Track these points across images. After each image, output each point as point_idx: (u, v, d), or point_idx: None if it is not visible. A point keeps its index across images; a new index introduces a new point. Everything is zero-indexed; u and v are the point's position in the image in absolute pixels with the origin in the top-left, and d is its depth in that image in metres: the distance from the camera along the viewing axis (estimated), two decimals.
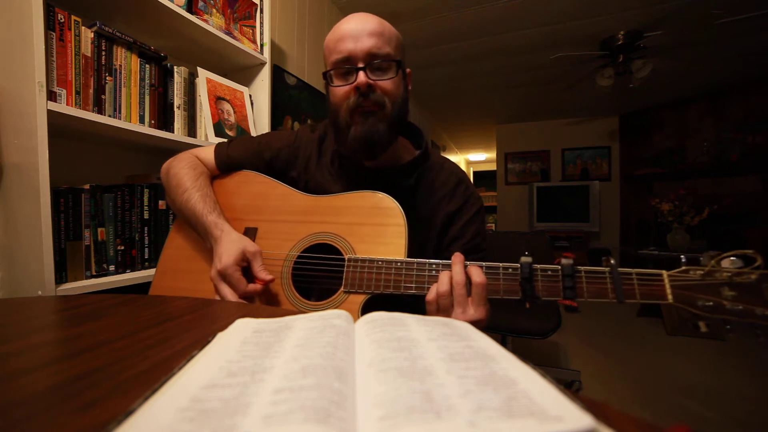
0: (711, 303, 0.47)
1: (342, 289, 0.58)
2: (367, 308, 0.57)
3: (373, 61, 0.61)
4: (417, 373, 0.21)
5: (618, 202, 5.13)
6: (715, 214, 2.79)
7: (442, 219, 0.70)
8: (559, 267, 0.52)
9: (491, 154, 7.04)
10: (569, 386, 1.77)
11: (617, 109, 4.88)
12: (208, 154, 0.80)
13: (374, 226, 0.61)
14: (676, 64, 3.07)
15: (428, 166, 0.74)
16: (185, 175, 0.73)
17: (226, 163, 0.79)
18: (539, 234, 1.79)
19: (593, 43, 2.90)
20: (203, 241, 0.69)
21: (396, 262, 0.56)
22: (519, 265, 0.53)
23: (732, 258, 0.47)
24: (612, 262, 0.50)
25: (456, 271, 0.53)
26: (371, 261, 0.58)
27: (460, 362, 0.23)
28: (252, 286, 0.59)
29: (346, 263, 0.59)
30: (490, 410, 0.17)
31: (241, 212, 0.73)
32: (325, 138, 0.79)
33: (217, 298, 0.61)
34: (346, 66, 0.62)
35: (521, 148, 5.67)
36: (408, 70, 0.68)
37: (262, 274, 0.60)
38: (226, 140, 0.83)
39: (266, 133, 0.83)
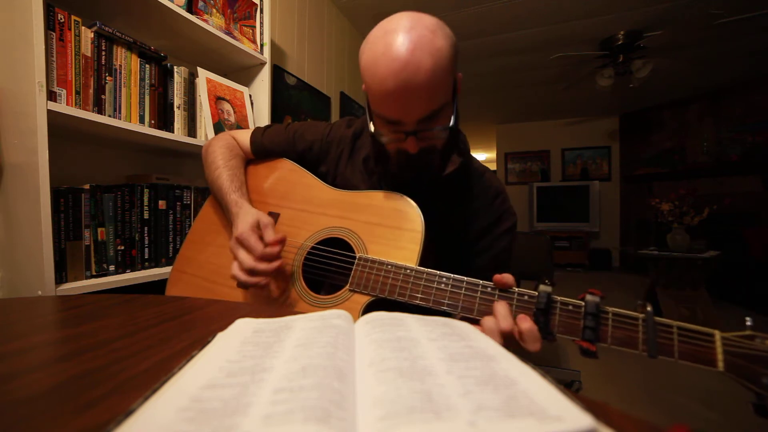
0: None
1: (348, 287, 0.58)
2: (369, 310, 0.56)
3: (423, 128, 0.55)
4: (417, 373, 0.21)
5: (618, 202, 5.14)
6: (715, 214, 2.79)
7: (475, 231, 0.69)
8: (583, 303, 0.46)
9: (491, 154, 7.04)
10: (569, 386, 1.77)
11: (617, 109, 4.88)
12: (245, 138, 0.82)
13: (391, 228, 0.60)
14: (676, 64, 3.07)
15: (469, 174, 0.71)
16: (221, 154, 0.76)
17: (260, 151, 0.81)
18: (540, 234, 1.79)
19: (593, 43, 2.90)
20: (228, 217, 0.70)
21: (406, 268, 0.55)
22: (536, 293, 0.48)
23: None
24: (649, 309, 0.44)
25: (502, 319, 0.48)
26: (381, 263, 0.56)
27: (460, 362, 0.23)
28: (269, 248, 0.59)
29: (356, 262, 0.59)
30: (490, 410, 0.17)
31: (268, 196, 0.75)
32: (361, 135, 0.76)
33: (233, 280, 0.61)
34: (395, 125, 0.56)
35: (521, 148, 5.67)
36: (459, 75, 0.60)
37: (273, 237, 0.60)
38: (263, 126, 0.83)
39: (302, 123, 0.82)
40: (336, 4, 2.36)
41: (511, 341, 0.47)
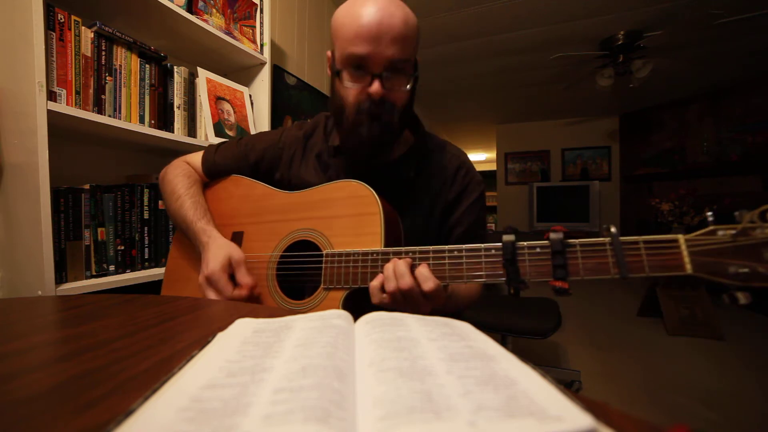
0: (747, 270, 0.36)
1: (322, 286, 0.58)
2: (348, 303, 0.56)
3: (390, 71, 0.58)
4: (417, 373, 0.21)
5: (618, 202, 5.13)
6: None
7: (442, 207, 0.69)
8: (548, 243, 0.45)
9: (491, 154, 7.04)
10: (569, 386, 1.77)
11: (617, 109, 4.88)
12: (197, 160, 0.80)
13: (350, 217, 0.60)
14: (676, 64, 3.07)
15: (428, 150, 0.72)
16: (179, 183, 0.74)
17: (212, 171, 0.79)
18: (540, 234, 1.79)
19: (593, 43, 2.90)
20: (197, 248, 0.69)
21: (372, 253, 0.55)
22: (501, 245, 0.47)
23: None
24: (613, 230, 0.43)
25: (400, 274, 0.50)
26: (347, 255, 0.57)
27: (460, 362, 0.23)
28: (237, 291, 0.59)
29: (324, 259, 0.59)
30: (490, 410, 0.17)
31: (229, 217, 0.74)
32: (312, 134, 0.77)
33: None
34: (361, 70, 0.59)
35: (521, 148, 5.66)
36: (417, 58, 0.63)
37: (245, 280, 0.60)
38: (215, 144, 0.82)
39: (252, 135, 0.82)
40: (336, 3, 2.36)
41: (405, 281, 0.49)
